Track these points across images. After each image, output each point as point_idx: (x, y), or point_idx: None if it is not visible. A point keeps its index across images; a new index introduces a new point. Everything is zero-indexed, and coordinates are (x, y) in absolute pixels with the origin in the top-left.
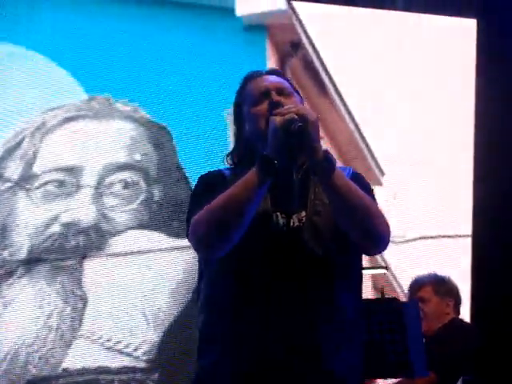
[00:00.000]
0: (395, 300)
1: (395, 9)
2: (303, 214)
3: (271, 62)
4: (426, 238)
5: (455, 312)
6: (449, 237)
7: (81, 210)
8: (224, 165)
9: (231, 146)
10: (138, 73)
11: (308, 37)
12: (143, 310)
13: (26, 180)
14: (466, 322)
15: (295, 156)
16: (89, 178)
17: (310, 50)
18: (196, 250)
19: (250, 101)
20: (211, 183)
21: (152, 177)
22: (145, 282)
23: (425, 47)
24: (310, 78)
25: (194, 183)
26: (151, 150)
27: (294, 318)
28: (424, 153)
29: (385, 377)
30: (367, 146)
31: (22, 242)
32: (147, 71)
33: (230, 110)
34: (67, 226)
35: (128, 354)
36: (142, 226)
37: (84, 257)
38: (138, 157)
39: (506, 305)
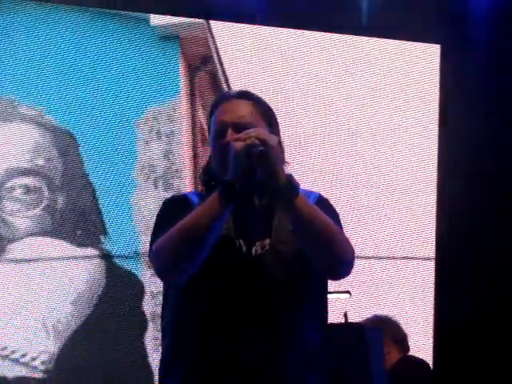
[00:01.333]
0: (358, 325)
1: (357, 33)
2: (267, 241)
3: (182, 74)
4: (393, 258)
5: (398, 349)
6: (416, 258)
7: None
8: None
9: (139, 156)
10: (46, 76)
11: (217, 52)
12: (43, 319)
13: None
14: (416, 358)
15: (257, 181)
16: None
17: (218, 65)
18: (157, 275)
19: (212, 133)
20: (175, 208)
21: (55, 183)
22: (45, 291)
23: (388, 72)
24: (215, 93)
25: (98, 191)
26: (56, 155)
27: (257, 345)
28: (388, 177)
29: None
30: None
31: None
32: (55, 76)
33: (140, 119)
34: None
35: (25, 364)
36: (43, 233)
37: None
38: (40, 162)
39: (470, 329)
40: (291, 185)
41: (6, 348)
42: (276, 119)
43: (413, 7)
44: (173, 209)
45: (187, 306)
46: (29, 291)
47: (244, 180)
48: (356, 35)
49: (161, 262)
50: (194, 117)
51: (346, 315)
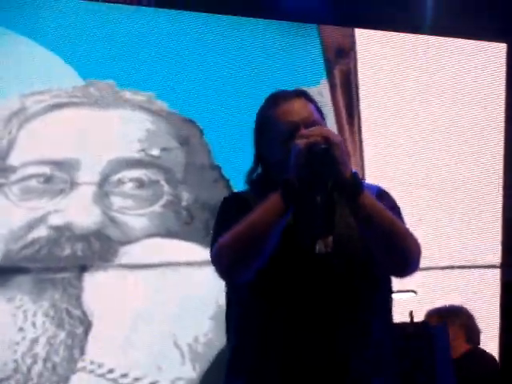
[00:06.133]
0: (425, 324)
1: (422, 33)
2: (330, 239)
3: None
4: (452, 267)
5: (470, 341)
6: (476, 267)
7: (78, 211)
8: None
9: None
10: (155, 60)
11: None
12: (174, 338)
13: None
14: (486, 352)
15: (320, 179)
16: (87, 175)
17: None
18: (220, 274)
19: (279, 134)
20: (235, 206)
21: (177, 176)
22: (173, 303)
23: (454, 71)
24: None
25: (236, 185)
26: (174, 145)
27: (324, 347)
28: (451, 177)
29: None
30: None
31: None
32: (168, 58)
33: None
34: (58, 229)
35: None
36: (166, 233)
37: (83, 268)
38: (155, 152)
39: None
40: (356, 182)
41: (126, 375)
42: (325, 118)
43: (478, 6)
44: (233, 207)
45: (251, 307)
46: (151, 303)
47: (306, 179)
48: (420, 34)
49: (222, 262)
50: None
51: (411, 314)
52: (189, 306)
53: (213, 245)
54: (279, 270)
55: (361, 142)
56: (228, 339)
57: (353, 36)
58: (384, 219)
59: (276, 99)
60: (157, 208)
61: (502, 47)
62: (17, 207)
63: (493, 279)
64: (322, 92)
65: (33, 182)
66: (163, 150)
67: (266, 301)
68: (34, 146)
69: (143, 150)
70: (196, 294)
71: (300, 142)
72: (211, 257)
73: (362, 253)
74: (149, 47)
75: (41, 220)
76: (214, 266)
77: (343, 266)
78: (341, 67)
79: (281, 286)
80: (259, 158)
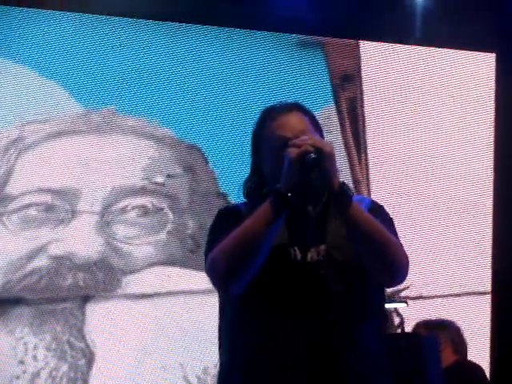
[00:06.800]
0: (415, 334)
1: (412, 43)
2: (322, 247)
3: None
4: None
5: (458, 352)
6: (468, 294)
7: (79, 240)
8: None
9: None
10: (155, 86)
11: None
12: (182, 370)
13: None
14: (473, 362)
15: (311, 189)
16: (89, 203)
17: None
18: (215, 285)
19: (273, 148)
20: (228, 218)
21: (182, 204)
22: (180, 333)
23: (443, 82)
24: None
25: None
26: (179, 172)
27: (316, 355)
28: (442, 188)
29: None
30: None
31: None
32: (167, 84)
33: None
34: (59, 259)
35: None
36: (172, 262)
37: (86, 299)
38: (159, 179)
39: None
40: (345, 193)
41: None
42: (322, 130)
43: (468, 17)
44: (226, 219)
45: (244, 314)
46: (157, 333)
47: (297, 188)
48: (412, 45)
49: (215, 271)
50: (344, 128)
51: (402, 325)
52: (197, 336)
53: (206, 256)
54: (272, 278)
55: (367, 164)
56: (220, 347)
57: (358, 54)
58: (372, 230)
59: (270, 113)
60: (161, 236)
61: (491, 57)
62: (16, 237)
63: (483, 306)
64: (329, 116)
65: (32, 211)
66: (167, 177)
67: (259, 308)
68: (33, 174)
69: (147, 178)
70: (203, 324)
71: (291, 151)
72: (205, 268)
73: (355, 261)
74: (151, 72)
75: (41, 250)
76: (208, 276)
77: (336, 273)
78: (346, 93)
79: (273, 293)
80: (255, 171)
